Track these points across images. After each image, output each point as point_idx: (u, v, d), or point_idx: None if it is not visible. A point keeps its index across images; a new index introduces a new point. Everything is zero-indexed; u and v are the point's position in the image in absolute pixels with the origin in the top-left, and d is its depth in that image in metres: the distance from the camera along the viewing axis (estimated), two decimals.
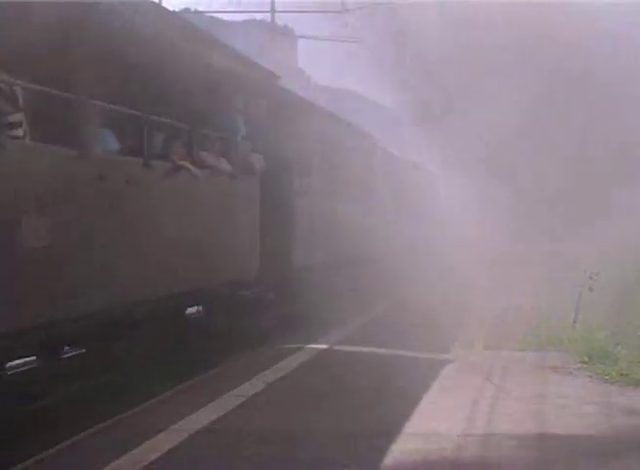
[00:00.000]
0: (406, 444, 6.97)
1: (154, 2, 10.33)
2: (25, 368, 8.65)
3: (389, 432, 7.27)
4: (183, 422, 7.53)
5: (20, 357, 8.32)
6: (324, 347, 11.60)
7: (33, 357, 8.47)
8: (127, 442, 6.86)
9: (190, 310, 11.41)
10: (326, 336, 12.52)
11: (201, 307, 11.61)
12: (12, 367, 8.34)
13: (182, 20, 10.93)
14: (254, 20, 32.08)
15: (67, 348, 8.75)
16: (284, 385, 9.22)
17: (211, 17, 30.76)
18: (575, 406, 8.32)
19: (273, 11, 27.04)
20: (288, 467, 6.52)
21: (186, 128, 10.22)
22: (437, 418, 7.78)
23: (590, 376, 9.81)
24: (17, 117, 7.06)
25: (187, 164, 9.88)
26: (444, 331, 12.60)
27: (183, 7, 29.58)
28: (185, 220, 9.79)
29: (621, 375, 9.66)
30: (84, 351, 8.88)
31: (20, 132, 7.09)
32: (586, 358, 10.52)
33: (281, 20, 27.91)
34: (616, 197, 13.25)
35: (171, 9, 12.25)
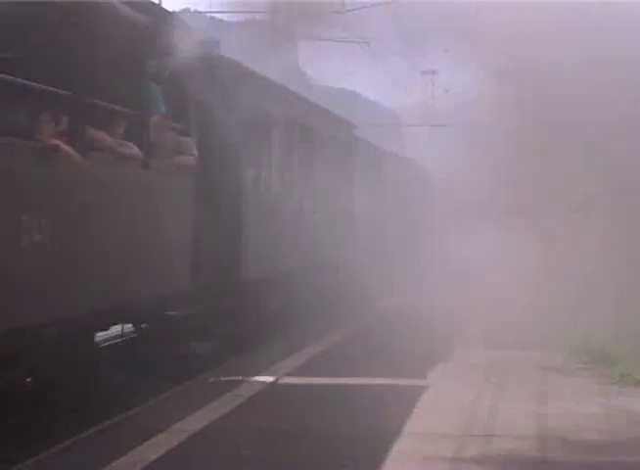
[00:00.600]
0: (406, 444, 6.97)
1: None
2: None
3: (390, 432, 7.27)
4: (183, 422, 7.54)
5: None
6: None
7: None
8: (127, 442, 6.86)
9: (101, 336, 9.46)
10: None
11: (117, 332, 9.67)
12: None
13: None
14: (254, 20, 32.05)
15: None
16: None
17: (211, 17, 30.74)
18: (576, 407, 8.31)
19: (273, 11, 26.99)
20: (288, 467, 6.53)
21: (66, 96, 7.52)
22: (437, 419, 7.78)
23: (590, 376, 9.81)
24: None
25: (62, 146, 7.38)
26: (440, 339, 12.49)
27: (183, 7, 29.57)
28: (57, 221, 7.31)
29: (622, 375, 9.65)
30: None
31: None
32: (586, 359, 10.52)
33: (281, 20, 27.92)
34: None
35: (171, 9, 11.49)
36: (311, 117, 15.60)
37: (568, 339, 11.60)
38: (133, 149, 8.64)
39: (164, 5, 16.97)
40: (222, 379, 9.43)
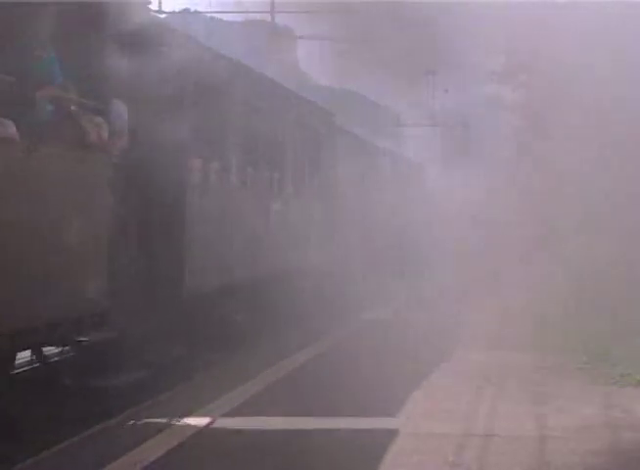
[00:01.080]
0: (405, 444, 6.97)
1: None
2: None
3: (389, 431, 7.27)
4: (183, 422, 7.54)
5: None
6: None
7: None
8: (127, 442, 6.86)
9: None
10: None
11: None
12: None
13: None
14: (254, 20, 32.04)
15: None
16: None
17: (211, 17, 30.74)
18: (575, 407, 8.31)
19: (273, 11, 27.03)
20: (287, 468, 6.53)
21: None
22: (437, 419, 7.78)
23: (590, 376, 9.81)
24: None
25: None
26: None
27: (182, 7, 29.55)
28: None
29: (622, 375, 9.65)
30: None
31: None
32: (586, 359, 10.52)
33: (281, 20, 27.95)
34: None
35: (171, 9, 11.25)
36: (280, 100, 13.54)
37: (567, 339, 11.60)
38: (8, 128, 6.82)
39: (164, 6, 16.90)
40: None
